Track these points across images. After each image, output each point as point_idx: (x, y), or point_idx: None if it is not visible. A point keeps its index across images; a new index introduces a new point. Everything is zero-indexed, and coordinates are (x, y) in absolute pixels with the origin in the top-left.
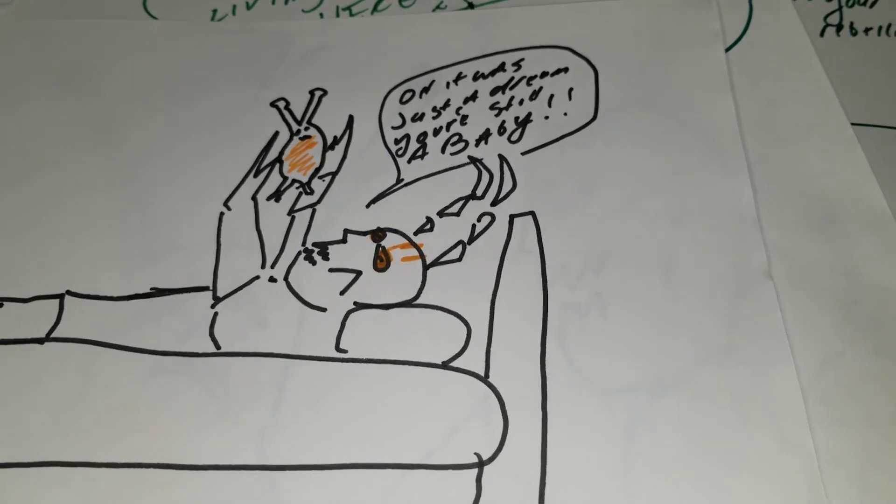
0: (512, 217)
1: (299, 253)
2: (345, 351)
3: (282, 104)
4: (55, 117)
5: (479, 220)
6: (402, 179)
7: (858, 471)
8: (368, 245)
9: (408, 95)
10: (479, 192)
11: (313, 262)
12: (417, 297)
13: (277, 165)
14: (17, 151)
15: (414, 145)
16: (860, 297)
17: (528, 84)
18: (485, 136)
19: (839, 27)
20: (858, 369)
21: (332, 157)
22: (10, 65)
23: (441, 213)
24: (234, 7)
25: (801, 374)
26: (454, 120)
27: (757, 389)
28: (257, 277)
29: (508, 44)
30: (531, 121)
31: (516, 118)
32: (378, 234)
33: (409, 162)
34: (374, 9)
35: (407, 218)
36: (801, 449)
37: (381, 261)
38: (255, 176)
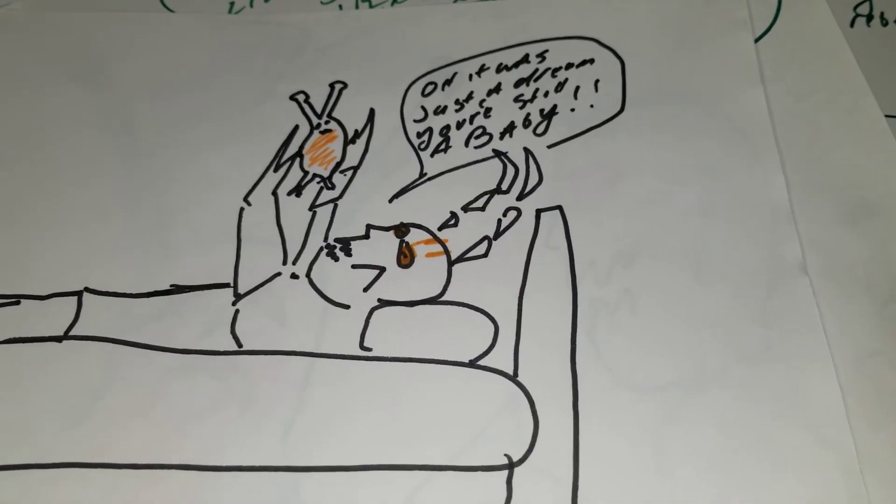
0: (538, 211)
1: (321, 249)
2: (369, 349)
3: (301, 97)
4: (71, 111)
5: (504, 214)
6: (426, 173)
7: None
8: (392, 241)
9: (430, 88)
10: (504, 187)
11: (336, 259)
12: (443, 293)
13: (298, 160)
14: (33, 145)
15: (437, 139)
16: None
17: (553, 76)
18: (509, 129)
19: (869, 17)
20: None
21: (354, 151)
22: (26, 57)
23: (465, 208)
24: None
25: (838, 372)
26: (477, 112)
27: (794, 388)
28: (279, 274)
29: (532, 35)
30: (557, 113)
31: (541, 110)
32: (401, 230)
33: (431, 156)
34: (394, 0)
35: (431, 213)
36: (840, 448)
37: (405, 257)
38: (276, 171)
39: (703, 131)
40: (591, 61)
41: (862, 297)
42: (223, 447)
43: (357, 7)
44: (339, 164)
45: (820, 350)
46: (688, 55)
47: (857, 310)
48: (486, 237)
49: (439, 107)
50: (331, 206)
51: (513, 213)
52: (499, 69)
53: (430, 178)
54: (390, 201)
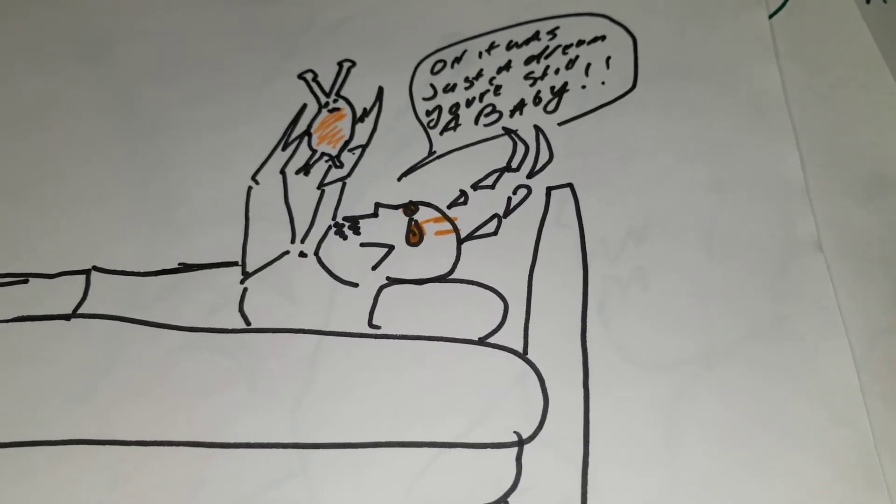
0: (549, 189)
1: (330, 227)
2: (378, 327)
3: (310, 76)
4: (79, 91)
5: (514, 192)
6: (435, 152)
7: None
8: (400, 219)
9: (439, 66)
10: (514, 164)
11: (344, 237)
12: (452, 271)
13: (306, 138)
14: (41, 126)
15: (446, 117)
16: None
17: (564, 53)
18: (519, 107)
19: None
20: None
21: (362, 130)
22: (32, 36)
23: (475, 186)
24: None
25: (853, 349)
26: (487, 90)
27: (808, 365)
28: (287, 252)
29: (542, 12)
30: (567, 90)
31: (552, 88)
32: (410, 208)
33: (441, 134)
34: None
35: (440, 191)
36: (855, 425)
37: (414, 235)
38: (284, 149)
39: (716, 108)
40: (603, 38)
41: (877, 273)
42: (231, 424)
43: None
44: (347, 143)
45: (835, 327)
46: (701, 31)
47: (872, 286)
48: (495, 215)
49: (449, 84)
50: (339, 184)
51: (523, 191)
52: (509, 46)
53: (439, 157)
54: (399, 180)
